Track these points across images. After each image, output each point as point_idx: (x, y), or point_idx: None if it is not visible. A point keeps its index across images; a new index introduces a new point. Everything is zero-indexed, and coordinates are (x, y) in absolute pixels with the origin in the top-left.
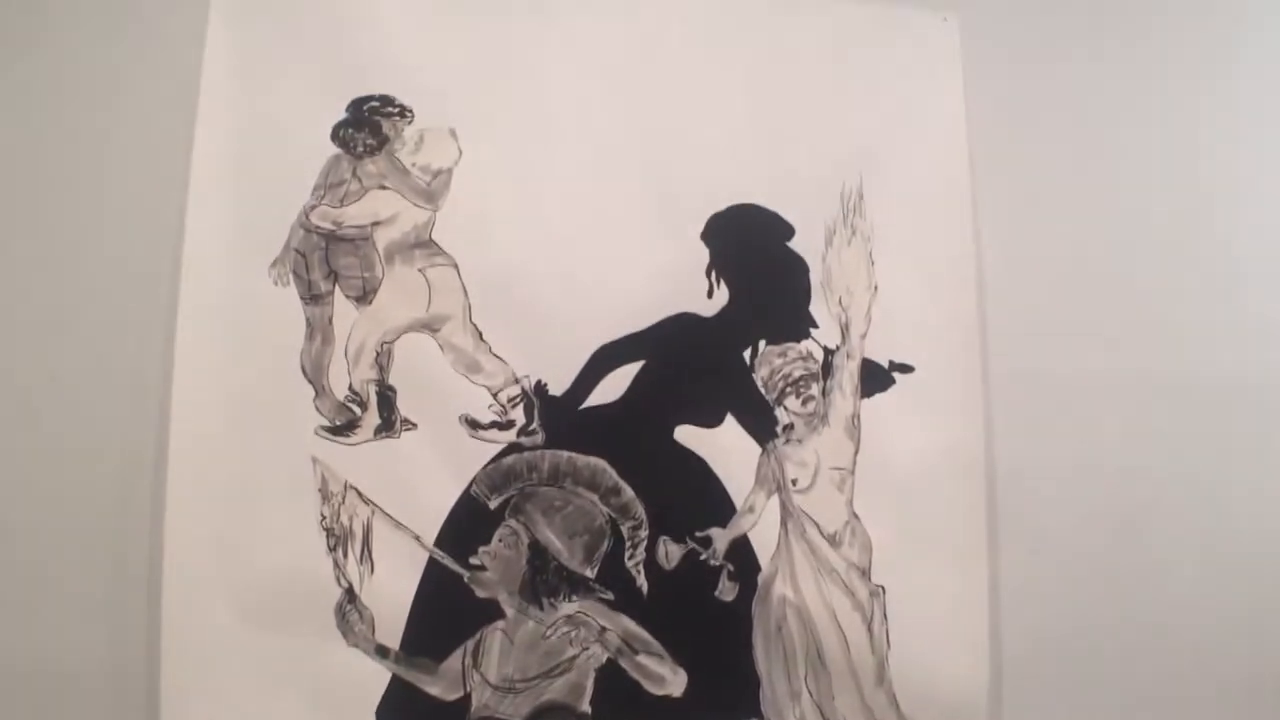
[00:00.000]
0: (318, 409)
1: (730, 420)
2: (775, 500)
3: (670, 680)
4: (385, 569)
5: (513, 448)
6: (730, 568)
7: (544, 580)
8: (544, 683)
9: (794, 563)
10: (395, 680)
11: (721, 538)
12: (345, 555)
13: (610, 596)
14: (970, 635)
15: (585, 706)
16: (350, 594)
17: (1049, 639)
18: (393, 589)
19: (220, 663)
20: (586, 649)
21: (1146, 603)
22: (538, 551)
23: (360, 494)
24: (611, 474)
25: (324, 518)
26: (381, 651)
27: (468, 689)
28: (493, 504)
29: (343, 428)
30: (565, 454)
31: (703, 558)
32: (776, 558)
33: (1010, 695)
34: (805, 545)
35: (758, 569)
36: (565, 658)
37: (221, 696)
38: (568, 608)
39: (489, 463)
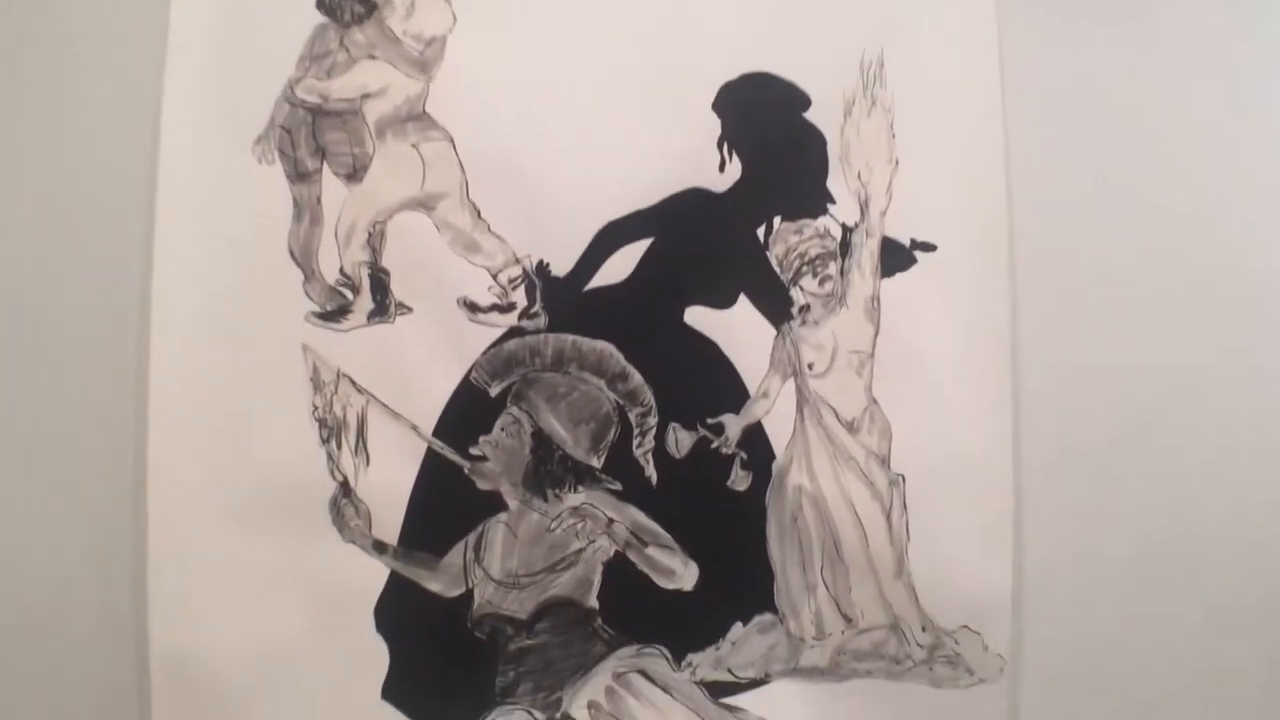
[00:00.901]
0: (307, 294)
1: (743, 301)
2: (790, 385)
3: (681, 574)
4: (381, 461)
5: (514, 332)
6: (743, 456)
7: (548, 470)
8: (549, 577)
9: (810, 450)
10: (393, 577)
11: (734, 425)
12: (339, 447)
13: (618, 487)
14: (994, 527)
15: (593, 601)
16: (345, 488)
17: (1075, 533)
18: (389, 482)
19: (210, 566)
20: (593, 542)
21: (1179, 501)
22: (541, 440)
23: (354, 383)
24: (618, 358)
25: (316, 409)
26: (379, 547)
27: (469, 585)
28: (493, 391)
29: (334, 313)
30: (570, 337)
31: (714, 446)
32: (792, 446)
33: (1032, 591)
34: (822, 432)
35: (772, 457)
36: (571, 551)
37: (212, 601)
38: (573, 499)
39: (489, 348)
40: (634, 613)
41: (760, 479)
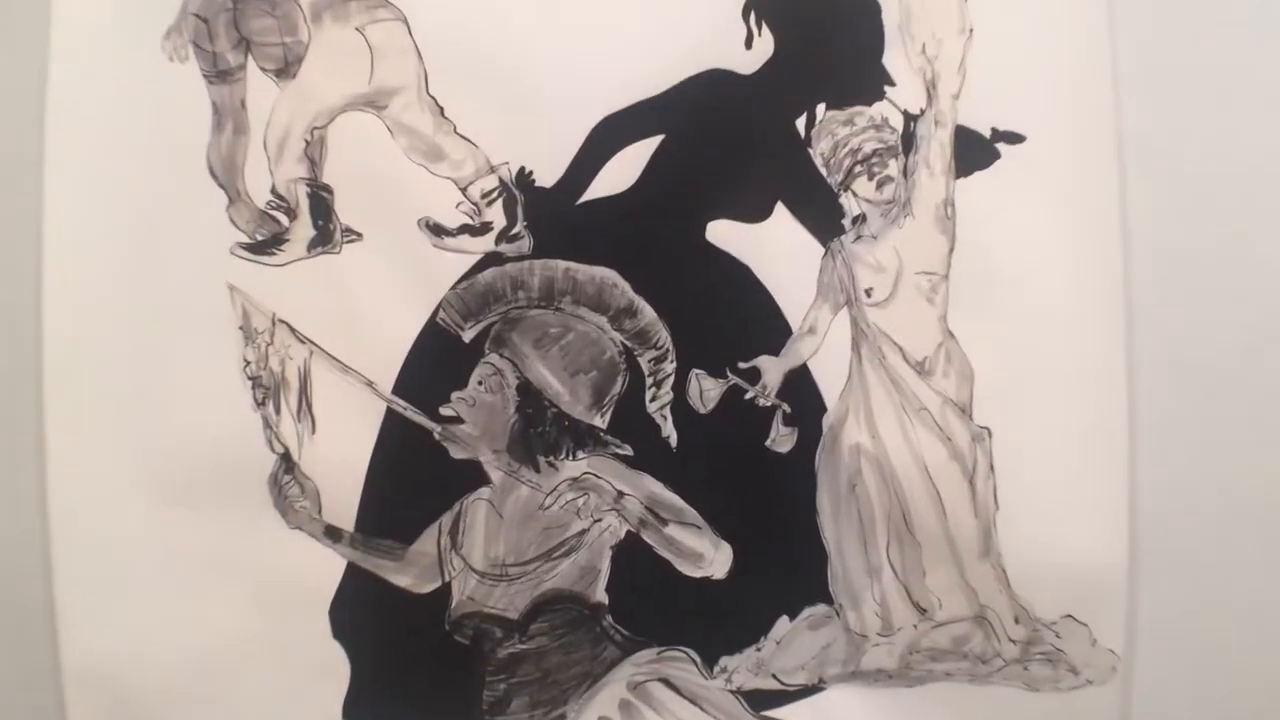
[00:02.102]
0: (233, 221)
1: (781, 212)
2: (844, 318)
3: (710, 558)
4: (330, 427)
5: (491, 259)
6: (785, 409)
7: (539, 433)
8: (544, 566)
9: (870, 399)
10: (352, 570)
11: (773, 369)
12: (278, 411)
13: (628, 451)
14: (1104, 492)
15: (600, 595)
16: (286, 461)
17: (1207, 500)
18: (341, 453)
19: (128, 559)
20: (599, 521)
21: None
22: (529, 395)
23: (293, 330)
24: (624, 288)
25: (248, 364)
26: (332, 534)
27: (446, 578)
28: (467, 335)
29: (266, 244)
30: (562, 264)
31: (749, 397)
32: (847, 394)
33: (1152, 572)
34: (885, 376)
35: (823, 410)
36: (572, 533)
37: (132, 601)
38: (572, 468)
39: (460, 280)
40: (652, 608)
41: (808, 438)
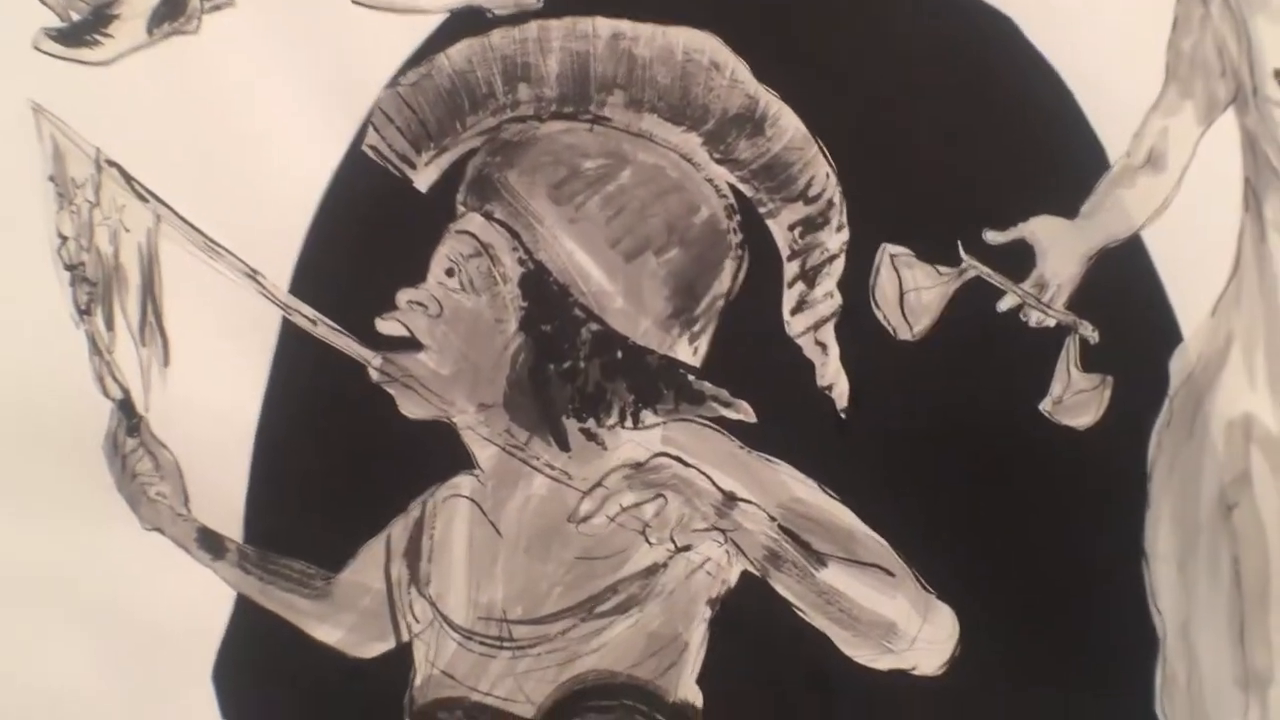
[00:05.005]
0: None
1: None
2: (1228, 132)
3: (908, 632)
4: (193, 354)
5: (463, 21)
6: (1089, 331)
7: (565, 372)
8: (581, 628)
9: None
10: (246, 610)
11: (1063, 246)
12: (110, 325)
13: (749, 415)
14: None
15: (685, 690)
16: (128, 412)
17: None
18: (213, 401)
19: None
20: (686, 549)
21: None
22: (544, 296)
23: (130, 179)
24: (734, 70)
25: (62, 240)
26: (208, 544)
27: (403, 636)
28: (422, 176)
29: (85, 26)
30: (605, 25)
31: (1006, 306)
32: (1228, 310)
33: None
34: None
35: (1174, 341)
36: (633, 571)
37: None
38: (634, 444)
39: (405, 67)
40: (787, 718)
41: (1136, 400)
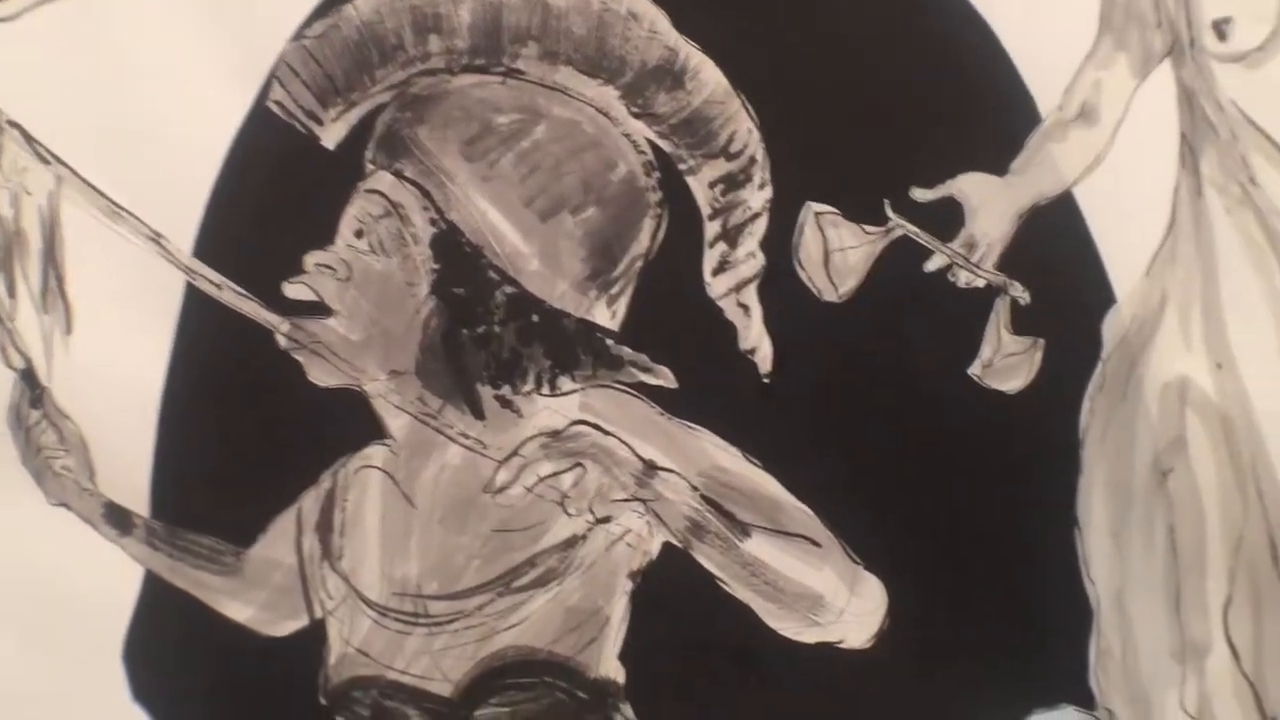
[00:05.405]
0: None
1: None
2: (1163, 85)
3: (835, 604)
4: (96, 321)
5: None
6: (1018, 291)
7: (479, 337)
8: (498, 603)
9: (1217, 280)
10: (154, 587)
11: (992, 203)
12: (12, 293)
13: (669, 380)
14: None
15: (606, 666)
16: (30, 382)
17: None
18: (117, 369)
19: None
20: (605, 521)
21: None
22: (456, 257)
23: (30, 140)
24: (653, 20)
25: None
26: (115, 520)
27: (315, 612)
28: (329, 133)
29: None
30: None
31: (934, 266)
32: (1162, 268)
33: None
34: (1254, 224)
35: (1107, 301)
36: (551, 543)
37: None
38: (552, 410)
39: (311, 17)
40: (711, 695)
41: (1067, 361)
